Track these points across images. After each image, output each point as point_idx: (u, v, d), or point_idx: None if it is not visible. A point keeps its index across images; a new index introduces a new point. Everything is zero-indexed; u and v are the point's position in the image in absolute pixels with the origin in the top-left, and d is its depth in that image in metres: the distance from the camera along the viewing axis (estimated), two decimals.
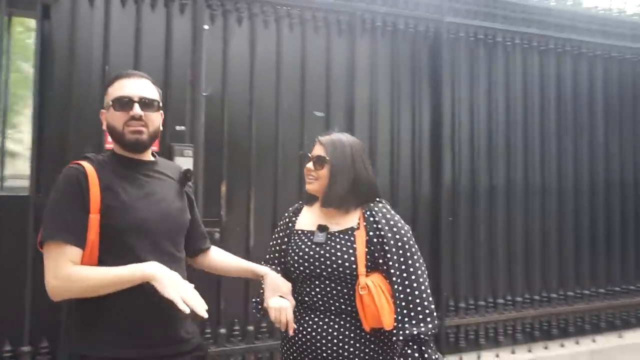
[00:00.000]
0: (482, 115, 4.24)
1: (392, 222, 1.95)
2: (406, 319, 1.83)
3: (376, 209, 2.00)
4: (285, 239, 2.10)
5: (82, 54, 3.07)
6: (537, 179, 4.43)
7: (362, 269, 1.89)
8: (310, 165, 2.02)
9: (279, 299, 1.91)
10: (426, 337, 1.81)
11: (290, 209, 2.18)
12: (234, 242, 3.36)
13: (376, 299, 1.83)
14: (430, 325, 1.82)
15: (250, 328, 3.37)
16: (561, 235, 4.51)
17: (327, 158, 1.98)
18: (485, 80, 4.28)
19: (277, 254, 2.12)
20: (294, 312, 1.98)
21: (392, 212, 2.01)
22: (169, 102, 3.18)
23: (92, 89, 3.06)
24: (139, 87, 1.72)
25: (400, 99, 3.96)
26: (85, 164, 1.68)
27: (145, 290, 1.57)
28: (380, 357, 1.93)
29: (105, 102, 1.74)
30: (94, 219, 1.60)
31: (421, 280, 1.88)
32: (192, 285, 1.60)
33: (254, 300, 2.15)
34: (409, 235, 1.94)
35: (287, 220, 2.14)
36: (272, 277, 1.96)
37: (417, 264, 1.90)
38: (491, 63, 4.30)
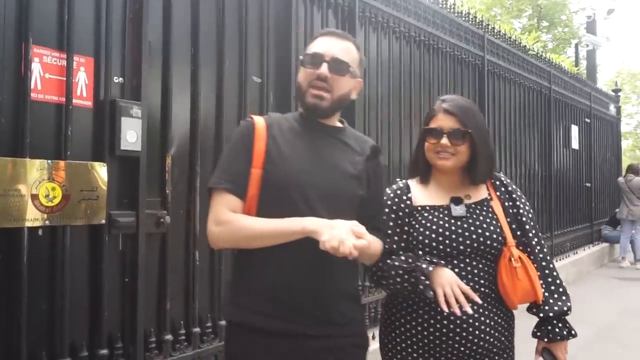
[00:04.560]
0: None
1: (520, 193, 1.90)
2: (554, 294, 1.77)
3: (503, 178, 1.90)
4: (406, 220, 1.79)
5: None
6: None
7: (510, 239, 1.76)
8: (445, 141, 1.75)
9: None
10: (569, 312, 1.77)
11: (394, 187, 1.88)
12: (180, 228, 2.76)
13: (530, 271, 1.73)
14: (570, 300, 1.79)
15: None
16: None
17: (469, 131, 1.75)
18: None
19: (397, 239, 1.80)
20: (422, 303, 1.74)
21: None
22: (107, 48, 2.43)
23: None
24: (336, 46, 1.63)
25: None
26: (258, 118, 1.66)
27: (302, 256, 1.50)
28: (510, 338, 1.83)
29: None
30: (256, 173, 1.57)
31: (550, 256, 1.85)
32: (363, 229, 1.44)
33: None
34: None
35: (397, 199, 1.83)
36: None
37: (542, 240, 1.85)
38: None
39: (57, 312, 2.24)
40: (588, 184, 9.43)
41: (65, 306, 2.25)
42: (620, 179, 9.72)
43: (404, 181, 1.90)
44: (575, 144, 8.79)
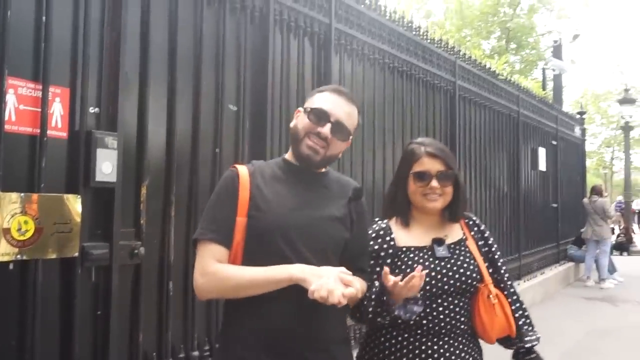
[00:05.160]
0: None
1: (488, 232, 1.98)
2: (525, 327, 1.87)
3: (474, 218, 1.99)
4: (388, 260, 1.83)
5: None
6: None
7: (487, 277, 1.85)
8: (435, 183, 1.81)
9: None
10: (538, 342, 1.88)
11: (375, 227, 1.91)
12: (154, 259, 2.73)
13: (505, 307, 1.82)
14: (535, 331, 1.90)
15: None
16: None
17: (455, 172, 1.85)
18: None
19: (378, 278, 1.82)
20: (400, 337, 1.77)
21: None
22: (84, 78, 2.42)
23: None
24: (342, 110, 1.67)
25: None
26: (241, 167, 1.69)
27: (291, 302, 1.52)
28: None
29: (305, 104, 1.72)
30: (241, 221, 1.59)
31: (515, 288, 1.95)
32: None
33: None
34: None
35: (380, 240, 1.87)
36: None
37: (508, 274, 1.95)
38: None
39: (27, 349, 2.19)
40: (555, 205, 9.67)
41: (35, 342, 2.20)
42: (585, 200, 9.98)
43: (385, 221, 1.93)
44: (542, 166, 9.01)
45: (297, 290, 1.46)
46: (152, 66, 2.74)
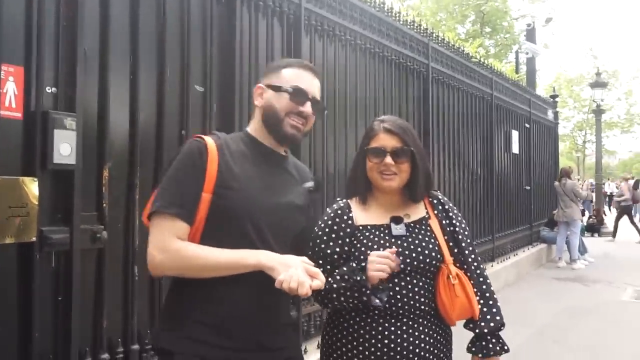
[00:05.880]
0: None
1: (456, 211, 1.93)
2: (486, 309, 1.80)
3: (440, 197, 1.93)
4: (347, 240, 1.79)
5: None
6: None
7: (448, 257, 1.80)
8: (389, 159, 1.76)
9: None
10: (503, 328, 1.81)
11: (334, 206, 1.88)
12: (118, 243, 2.66)
13: (467, 287, 1.76)
14: (501, 315, 1.83)
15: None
16: None
17: (411, 149, 1.78)
18: None
19: (337, 258, 1.79)
20: (360, 319, 1.75)
21: None
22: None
23: None
24: (315, 86, 1.69)
25: None
26: (208, 139, 1.58)
27: (251, 287, 1.50)
28: (449, 354, 1.86)
29: (272, 81, 1.66)
30: (206, 197, 1.51)
31: (486, 271, 1.89)
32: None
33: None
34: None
35: (338, 219, 1.82)
36: None
37: (478, 256, 1.89)
38: None
39: None
40: (527, 187, 9.78)
41: None
42: (556, 183, 10.11)
43: (344, 201, 1.89)
44: (515, 149, 9.09)
45: (256, 276, 1.44)
46: (112, 44, 2.64)
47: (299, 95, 1.62)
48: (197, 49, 3.17)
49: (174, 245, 1.47)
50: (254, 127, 1.70)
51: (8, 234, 2.16)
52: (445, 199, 1.94)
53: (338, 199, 1.93)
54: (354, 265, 1.71)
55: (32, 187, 2.24)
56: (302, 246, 1.72)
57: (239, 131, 1.77)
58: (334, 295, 1.71)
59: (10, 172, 2.21)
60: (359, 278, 1.65)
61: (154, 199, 1.55)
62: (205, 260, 1.47)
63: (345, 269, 1.71)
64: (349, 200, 1.88)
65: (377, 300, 1.66)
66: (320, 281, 1.42)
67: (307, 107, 1.63)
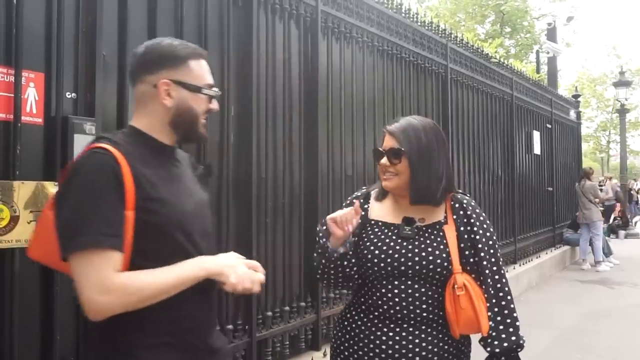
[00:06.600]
0: None
1: (481, 218, 1.81)
2: (501, 327, 1.68)
3: (464, 201, 1.83)
4: (357, 230, 1.78)
5: None
6: None
7: (457, 266, 1.71)
8: (384, 160, 1.77)
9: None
10: (520, 349, 1.70)
11: (357, 193, 1.91)
12: None
13: (475, 300, 1.67)
14: (521, 336, 1.71)
15: None
16: None
17: (403, 149, 1.75)
18: None
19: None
20: (361, 323, 1.75)
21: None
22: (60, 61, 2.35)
23: None
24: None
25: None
26: (112, 148, 1.35)
27: (197, 292, 1.41)
28: None
29: (182, 76, 1.47)
30: (130, 216, 1.32)
31: (509, 286, 1.77)
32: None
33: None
34: (494, 234, 1.82)
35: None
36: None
37: (503, 268, 1.80)
38: None
39: (5, 344, 2.15)
40: (550, 188, 9.64)
41: (14, 335, 2.16)
42: (577, 185, 9.94)
43: (366, 191, 1.91)
44: (537, 149, 8.97)
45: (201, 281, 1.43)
46: (131, 49, 2.65)
47: (212, 94, 1.54)
48: (215, 52, 3.18)
49: (116, 281, 1.28)
50: (148, 124, 1.48)
51: (29, 237, 2.19)
52: (472, 203, 1.84)
53: (363, 187, 1.96)
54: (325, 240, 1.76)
55: (53, 191, 2.26)
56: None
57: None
58: (325, 271, 1.77)
59: (32, 176, 2.24)
60: (323, 242, 1.74)
61: (68, 232, 1.30)
62: (155, 287, 1.32)
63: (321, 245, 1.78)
64: (371, 192, 1.90)
65: (341, 248, 1.72)
66: (261, 272, 1.45)
67: (215, 104, 1.56)
